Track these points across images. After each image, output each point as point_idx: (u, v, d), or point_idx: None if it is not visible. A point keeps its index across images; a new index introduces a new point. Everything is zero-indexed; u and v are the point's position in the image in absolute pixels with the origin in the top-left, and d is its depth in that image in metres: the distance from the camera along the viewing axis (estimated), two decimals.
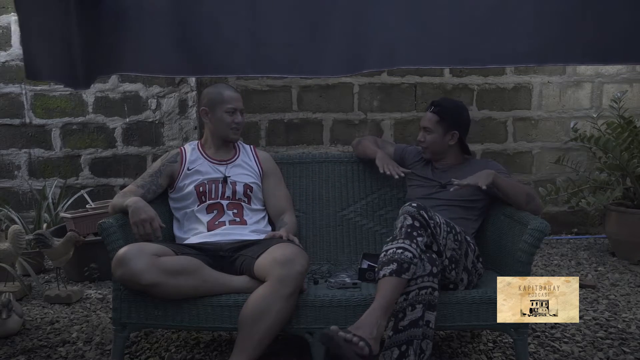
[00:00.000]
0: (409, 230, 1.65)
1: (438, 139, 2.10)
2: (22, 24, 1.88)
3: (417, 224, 1.66)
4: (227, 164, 2.15)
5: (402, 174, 2.14)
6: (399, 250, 1.62)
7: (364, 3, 1.67)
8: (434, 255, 1.67)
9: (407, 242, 1.63)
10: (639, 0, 1.59)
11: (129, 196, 1.96)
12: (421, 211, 1.68)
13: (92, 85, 2.14)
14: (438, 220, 1.71)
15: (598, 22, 1.61)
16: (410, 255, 1.61)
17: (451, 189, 1.88)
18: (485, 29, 1.66)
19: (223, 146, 2.18)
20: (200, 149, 2.19)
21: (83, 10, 1.72)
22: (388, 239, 1.70)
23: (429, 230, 1.67)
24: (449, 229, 1.74)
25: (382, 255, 1.66)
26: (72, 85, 1.92)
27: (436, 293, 1.64)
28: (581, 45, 1.65)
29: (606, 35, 1.62)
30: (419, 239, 1.64)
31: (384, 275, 1.60)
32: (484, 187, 1.84)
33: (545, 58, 1.74)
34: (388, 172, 2.14)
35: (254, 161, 2.22)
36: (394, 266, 1.60)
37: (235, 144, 2.24)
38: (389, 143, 2.40)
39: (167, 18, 1.75)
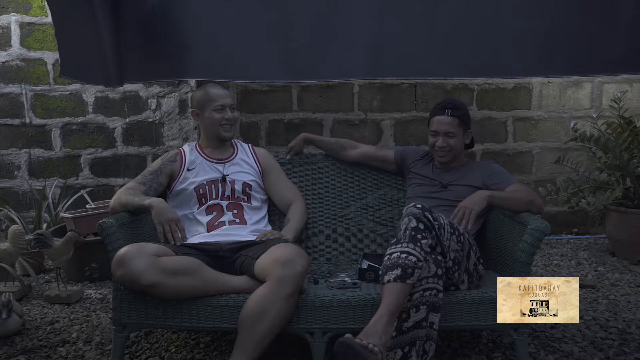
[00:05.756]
0: (413, 233, 1.64)
1: (460, 142, 2.09)
2: (55, 23, 1.91)
3: (421, 226, 1.64)
4: (225, 162, 2.16)
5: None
6: (403, 255, 1.60)
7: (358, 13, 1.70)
8: (439, 257, 1.67)
9: (411, 245, 1.61)
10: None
11: (134, 194, 1.96)
12: (426, 212, 1.66)
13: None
14: (442, 221, 1.70)
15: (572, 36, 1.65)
16: (414, 259, 1.59)
17: (461, 229, 1.81)
18: (478, 41, 1.69)
19: (219, 145, 2.19)
20: (198, 149, 2.19)
21: (106, 17, 1.76)
22: (392, 241, 1.68)
23: (434, 232, 1.66)
24: (452, 230, 1.73)
25: (386, 258, 1.64)
26: (104, 83, 1.95)
27: (441, 295, 1.63)
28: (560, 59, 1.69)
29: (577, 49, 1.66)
30: (424, 241, 1.62)
31: (388, 281, 1.58)
32: (469, 228, 1.84)
33: (529, 71, 1.79)
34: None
35: (252, 159, 2.23)
36: (398, 271, 1.57)
37: (233, 143, 2.24)
38: (386, 148, 2.40)
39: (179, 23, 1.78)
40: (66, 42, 1.93)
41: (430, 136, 2.12)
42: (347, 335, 1.52)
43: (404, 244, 1.63)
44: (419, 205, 1.68)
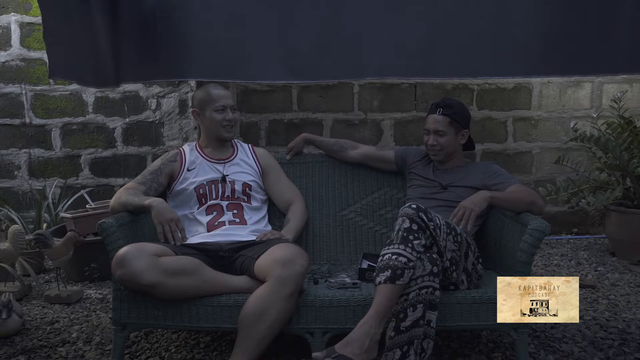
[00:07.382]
0: (405, 234, 1.64)
1: (451, 141, 2.09)
2: (45, 24, 1.91)
3: (414, 226, 1.65)
4: (225, 162, 2.16)
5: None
6: (394, 256, 1.61)
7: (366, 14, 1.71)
8: (435, 255, 1.67)
9: (402, 246, 1.62)
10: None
11: (134, 194, 1.96)
12: (420, 213, 1.66)
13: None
14: (438, 221, 1.70)
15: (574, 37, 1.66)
16: (404, 260, 1.60)
17: (459, 229, 1.81)
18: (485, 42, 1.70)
19: (220, 145, 2.19)
20: (198, 149, 2.19)
21: (104, 18, 1.76)
22: (387, 242, 1.70)
23: (428, 232, 1.66)
24: (449, 230, 1.73)
25: (379, 260, 1.66)
26: (97, 84, 1.95)
27: (437, 292, 1.63)
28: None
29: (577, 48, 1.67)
30: (416, 242, 1.63)
31: (379, 283, 1.60)
32: (468, 229, 1.83)
33: (529, 71, 1.80)
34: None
35: (252, 159, 2.23)
36: (388, 273, 1.59)
37: (233, 143, 2.24)
38: (387, 148, 2.40)
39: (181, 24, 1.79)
40: (56, 43, 1.93)
41: (424, 134, 2.14)
42: (314, 354, 1.57)
43: (395, 245, 1.64)
44: (414, 206, 1.68)
